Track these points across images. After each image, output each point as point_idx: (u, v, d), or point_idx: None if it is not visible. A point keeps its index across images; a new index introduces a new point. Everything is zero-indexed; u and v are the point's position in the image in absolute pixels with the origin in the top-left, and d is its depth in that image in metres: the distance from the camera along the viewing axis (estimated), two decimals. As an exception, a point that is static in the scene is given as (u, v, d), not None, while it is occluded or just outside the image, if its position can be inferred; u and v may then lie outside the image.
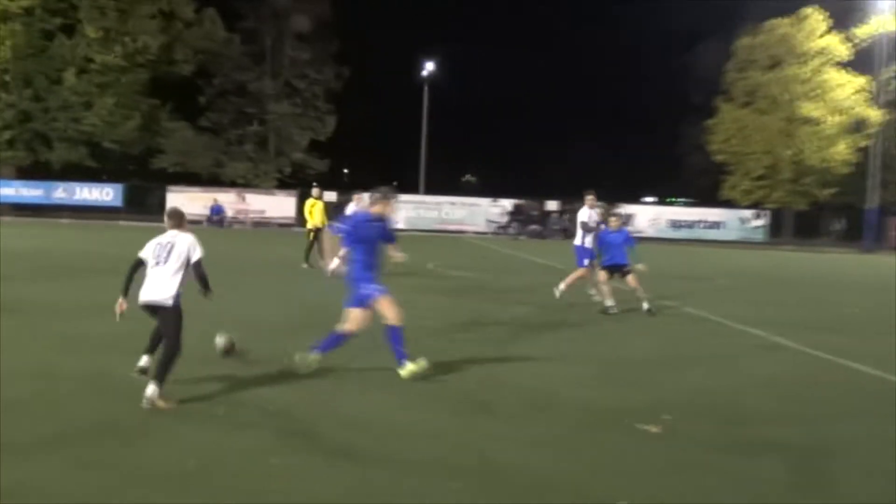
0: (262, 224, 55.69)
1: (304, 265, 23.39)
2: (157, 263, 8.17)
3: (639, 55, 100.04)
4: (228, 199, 56.55)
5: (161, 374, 7.87)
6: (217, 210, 54.71)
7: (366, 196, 10.44)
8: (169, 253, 8.20)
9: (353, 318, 9.47)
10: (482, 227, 57.37)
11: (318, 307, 14.65)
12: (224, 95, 65.44)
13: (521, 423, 7.80)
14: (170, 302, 8.06)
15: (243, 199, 57.30)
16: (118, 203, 56.43)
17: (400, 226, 55.23)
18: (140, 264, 8.34)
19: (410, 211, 56.91)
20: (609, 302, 15.44)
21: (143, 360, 8.65)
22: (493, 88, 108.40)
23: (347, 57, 66.79)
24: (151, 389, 7.76)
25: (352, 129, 70.92)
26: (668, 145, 78.33)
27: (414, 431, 7.34)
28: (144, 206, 56.92)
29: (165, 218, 8.59)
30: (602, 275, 15.87)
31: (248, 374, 9.16)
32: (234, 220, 55.46)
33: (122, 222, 51.93)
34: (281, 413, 7.74)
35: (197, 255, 8.28)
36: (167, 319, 8.10)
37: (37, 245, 27.81)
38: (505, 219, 57.17)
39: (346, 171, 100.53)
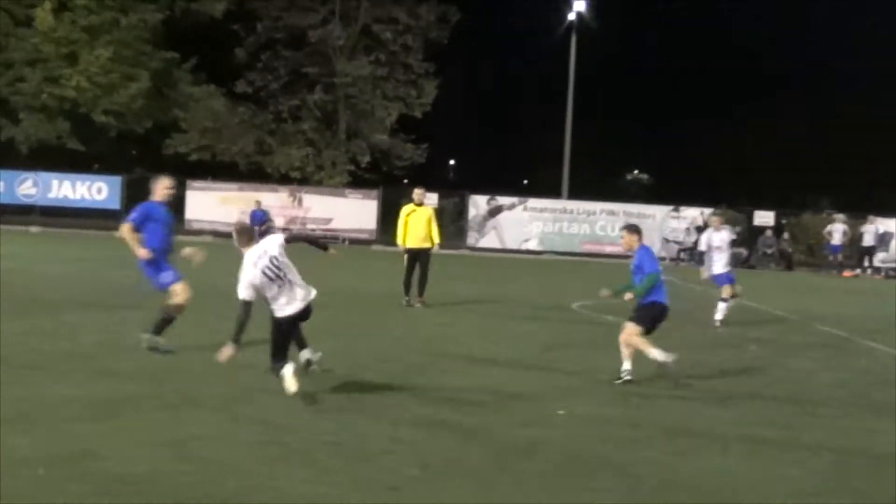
0: (326, 240, 55.47)
1: (405, 301, 23.43)
2: (283, 283, 11.81)
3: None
4: (277, 202, 56.68)
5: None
6: (260, 218, 53.82)
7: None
8: (280, 268, 11.80)
9: None
10: (657, 249, 56.16)
11: (403, 369, 14.50)
12: (272, 48, 66.04)
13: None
14: (315, 295, 12.15)
15: (299, 202, 57.43)
16: (114, 204, 56.11)
17: (531, 245, 55.59)
18: (249, 307, 11.69)
19: (548, 224, 56.57)
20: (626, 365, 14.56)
21: (306, 354, 12.86)
22: (672, 44, 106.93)
23: (456, -7, 66.67)
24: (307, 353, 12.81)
25: (460, 102, 70.49)
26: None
27: None
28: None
29: (234, 235, 12.34)
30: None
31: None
32: (286, 233, 55.34)
33: (118, 233, 51.72)
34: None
35: (282, 239, 12.16)
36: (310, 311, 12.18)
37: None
38: (692, 237, 56.04)
39: (451, 162, 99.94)
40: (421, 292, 23.40)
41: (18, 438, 9.37)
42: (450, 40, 67.87)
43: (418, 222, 23.79)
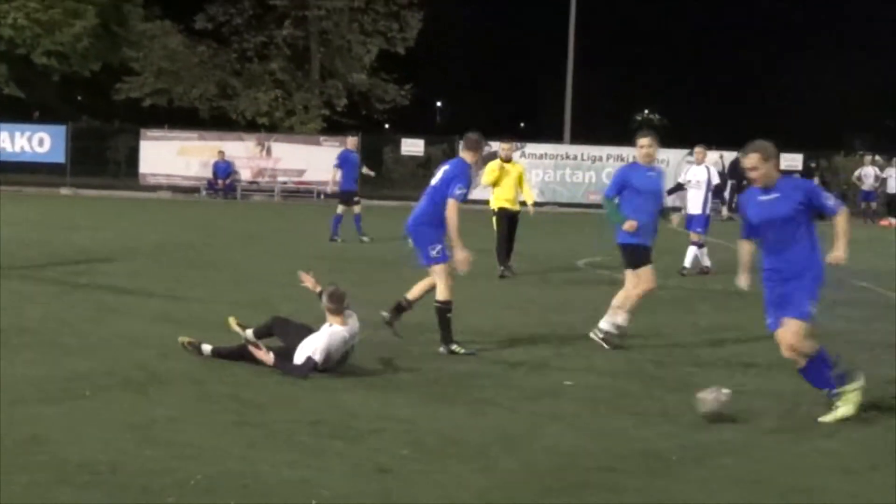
0: (299, 193, 55.30)
1: (502, 270, 22.76)
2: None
3: None
4: (243, 152, 56.73)
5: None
6: (224, 169, 54.35)
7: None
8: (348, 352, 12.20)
9: None
10: (672, 198, 55.77)
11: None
12: (235, -24, 65.65)
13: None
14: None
15: (267, 151, 57.35)
16: (58, 157, 56.56)
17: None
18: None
19: (549, 172, 56.68)
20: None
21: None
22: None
23: None
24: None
25: (449, 37, 69.91)
26: None
27: None
28: (102, 162, 58.13)
29: (326, 298, 12.19)
30: None
31: None
32: (252, 188, 55.12)
33: (64, 190, 52.65)
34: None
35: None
36: None
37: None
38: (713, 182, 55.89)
39: (438, 104, 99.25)
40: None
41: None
42: (435, -32, 67.36)
43: (509, 181, 23.17)
